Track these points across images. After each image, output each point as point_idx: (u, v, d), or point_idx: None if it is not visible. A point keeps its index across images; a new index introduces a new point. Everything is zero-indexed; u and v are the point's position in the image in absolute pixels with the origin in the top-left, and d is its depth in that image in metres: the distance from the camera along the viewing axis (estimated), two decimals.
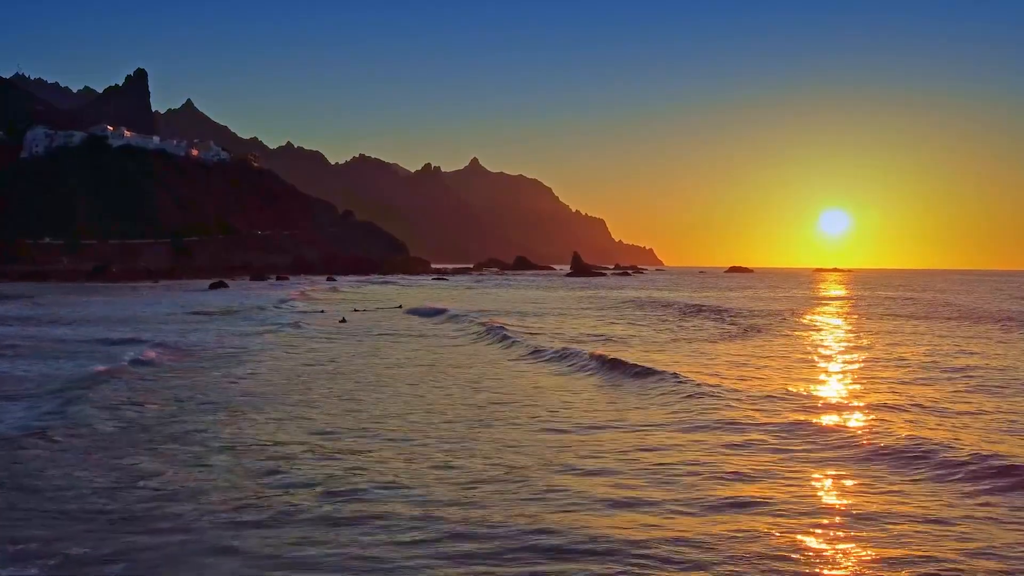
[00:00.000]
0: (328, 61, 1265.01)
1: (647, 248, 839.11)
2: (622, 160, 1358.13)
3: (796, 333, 41.73)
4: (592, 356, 27.66)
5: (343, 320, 47.91)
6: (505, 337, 35.35)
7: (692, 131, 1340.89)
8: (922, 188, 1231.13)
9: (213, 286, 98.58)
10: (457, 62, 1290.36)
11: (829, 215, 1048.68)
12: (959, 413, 18.13)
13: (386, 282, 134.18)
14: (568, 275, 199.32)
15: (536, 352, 30.41)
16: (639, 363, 25.33)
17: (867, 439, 15.14)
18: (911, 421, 17.09)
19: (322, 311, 55.53)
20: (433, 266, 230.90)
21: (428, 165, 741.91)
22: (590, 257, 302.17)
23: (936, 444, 14.34)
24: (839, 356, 30.85)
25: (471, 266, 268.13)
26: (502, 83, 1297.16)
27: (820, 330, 44.15)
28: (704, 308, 61.87)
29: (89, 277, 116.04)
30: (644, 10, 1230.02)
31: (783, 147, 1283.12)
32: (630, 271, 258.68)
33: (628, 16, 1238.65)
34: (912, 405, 19.20)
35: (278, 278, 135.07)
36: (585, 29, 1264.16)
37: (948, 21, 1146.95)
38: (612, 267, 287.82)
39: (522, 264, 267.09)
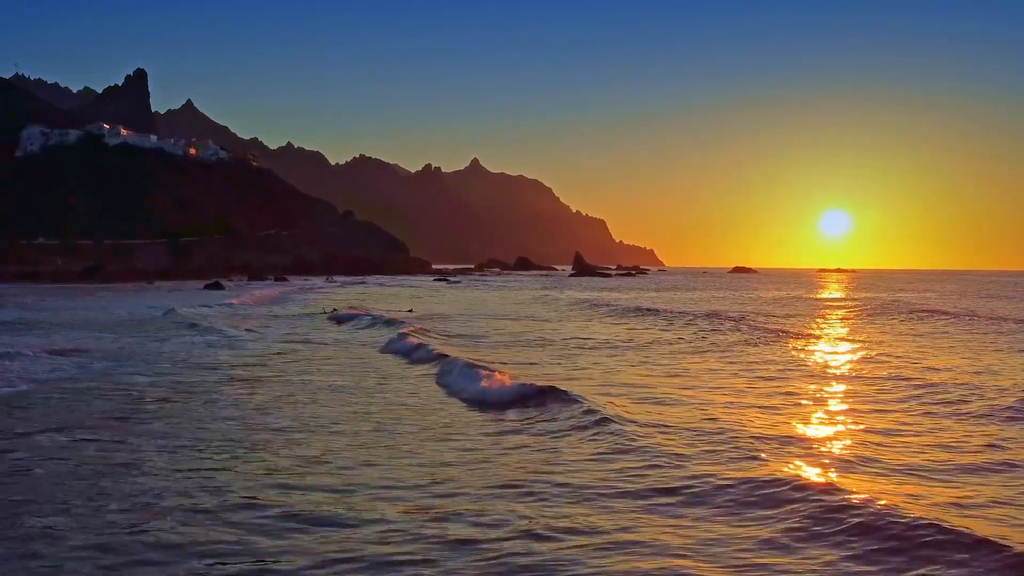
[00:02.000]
0: (328, 61, 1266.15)
1: (648, 248, 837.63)
2: (622, 160, 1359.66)
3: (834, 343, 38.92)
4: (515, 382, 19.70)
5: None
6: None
7: (692, 131, 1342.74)
8: (922, 188, 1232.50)
9: (208, 287, 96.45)
10: (457, 62, 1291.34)
11: (830, 215, 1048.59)
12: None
13: (366, 283, 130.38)
14: (572, 275, 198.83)
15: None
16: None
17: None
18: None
19: (334, 310, 55.34)
20: (434, 266, 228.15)
21: (428, 165, 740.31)
22: (591, 258, 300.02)
23: None
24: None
25: (472, 266, 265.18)
26: (502, 83, 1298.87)
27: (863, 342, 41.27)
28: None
29: (81, 278, 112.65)
30: (644, 10, 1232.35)
31: (783, 147, 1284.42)
32: (633, 271, 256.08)
33: (628, 16, 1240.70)
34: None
35: (277, 278, 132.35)
36: (585, 29, 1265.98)
37: (948, 21, 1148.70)
38: (614, 268, 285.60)
39: (523, 264, 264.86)
